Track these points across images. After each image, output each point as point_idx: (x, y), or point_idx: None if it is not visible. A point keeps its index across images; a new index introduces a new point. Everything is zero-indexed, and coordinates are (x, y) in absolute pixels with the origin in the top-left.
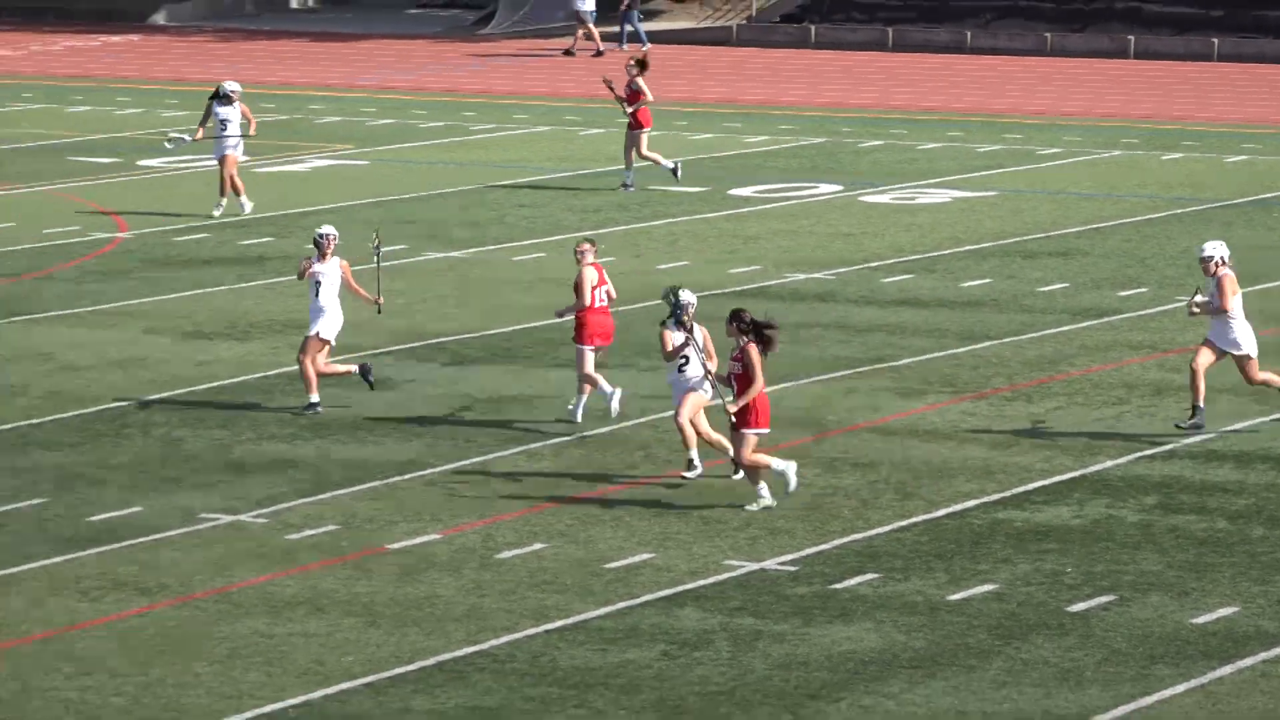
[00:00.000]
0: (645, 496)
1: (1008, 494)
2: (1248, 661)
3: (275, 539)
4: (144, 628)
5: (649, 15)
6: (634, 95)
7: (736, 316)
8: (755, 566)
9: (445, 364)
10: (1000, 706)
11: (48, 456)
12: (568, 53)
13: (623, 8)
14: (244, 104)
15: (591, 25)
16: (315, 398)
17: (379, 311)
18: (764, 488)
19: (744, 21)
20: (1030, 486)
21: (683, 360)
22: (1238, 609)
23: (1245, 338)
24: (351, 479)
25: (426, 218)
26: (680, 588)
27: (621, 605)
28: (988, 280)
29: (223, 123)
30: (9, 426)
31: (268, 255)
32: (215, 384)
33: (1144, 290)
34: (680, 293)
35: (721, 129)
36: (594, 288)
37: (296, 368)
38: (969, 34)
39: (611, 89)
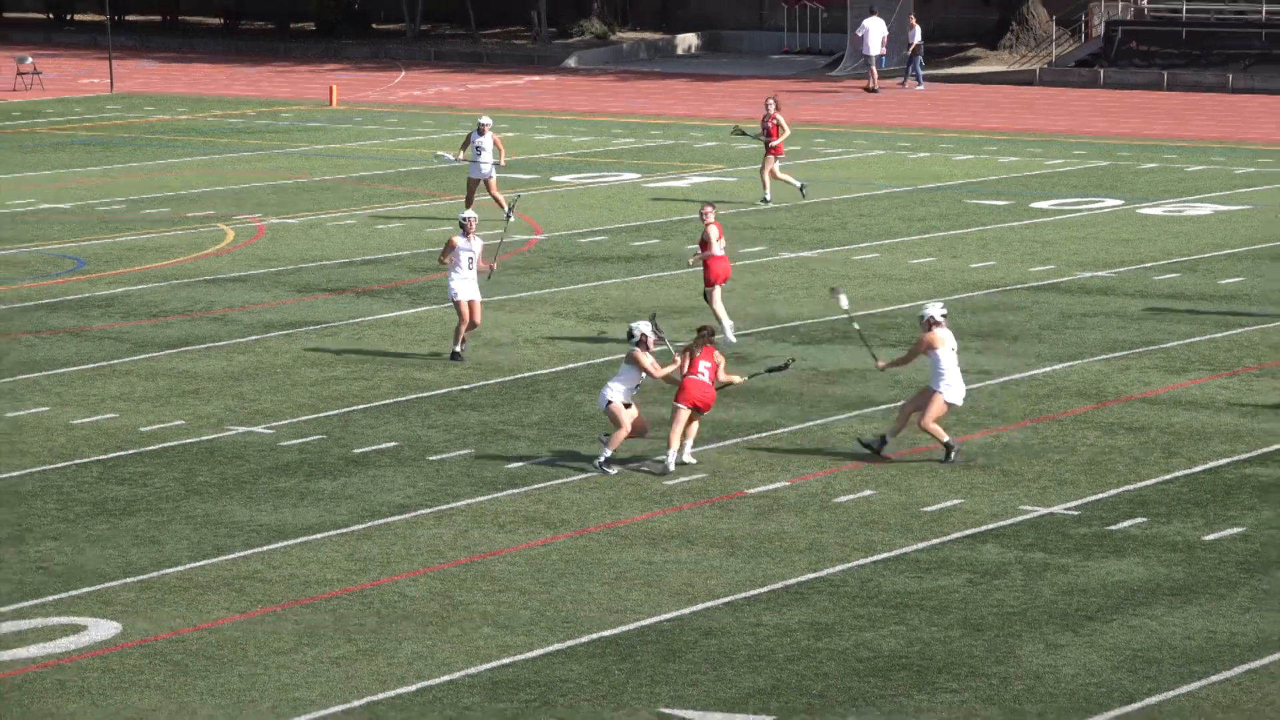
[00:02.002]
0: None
1: (1255, 453)
2: None
3: (655, 484)
4: (548, 554)
5: (968, 62)
6: (776, 129)
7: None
8: (1045, 511)
9: (796, 343)
10: (1245, 629)
11: (473, 415)
12: (868, 89)
13: (909, 53)
14: (495, 135)
15: (875, 68)
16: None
17: (489, 277)
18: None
19: (1045, 66)
20: (1274, 447)
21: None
22: None
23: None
24: (718, 436)
25: (782, 224)
26: (983, 527)
27: (935, 541)
28: (1241, 278)
29: (478, 149)
30: (443, 391)
31: (654, 254)
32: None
33: None
34: (638, 324)
35: (1026, 153)
36: (717, 240)
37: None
38: (1231, 76)
39: (744, 133)
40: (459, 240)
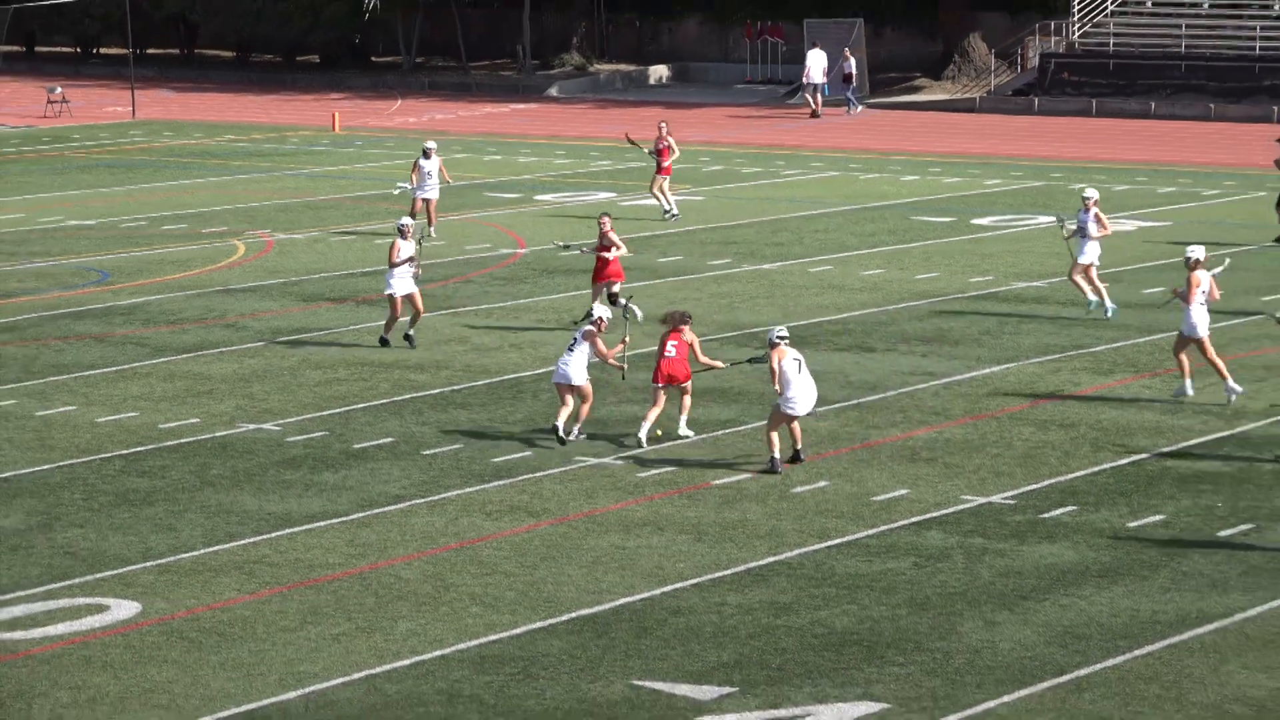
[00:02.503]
0: (902, 447)
1: (1175, 447)
2: None
3: (629, 476)
4: (531, 540)
5: (914, 91)
6: (665, 150)
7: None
8: (984, 500)
9: (758, 348)
10: (1165, 607)
11: (463, 414)
12: (813, 115)
13: (844, 81)
14: (440, 158)
15: (818, 94)
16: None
17: (417, 277)
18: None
19: (985, 94)
20: (1191, 442)
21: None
22: None
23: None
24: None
25: (745, 239)
26: (928, 515)
27: (883, 528)
28: (1162, 288)
29: (426, 174)
30: (436, 391)
31: (629, 266)
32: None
33: None
34: (598, 307)
35: (967, 174)
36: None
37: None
38: (1153, 104)
39: (634, 143)
40: (400, 244)
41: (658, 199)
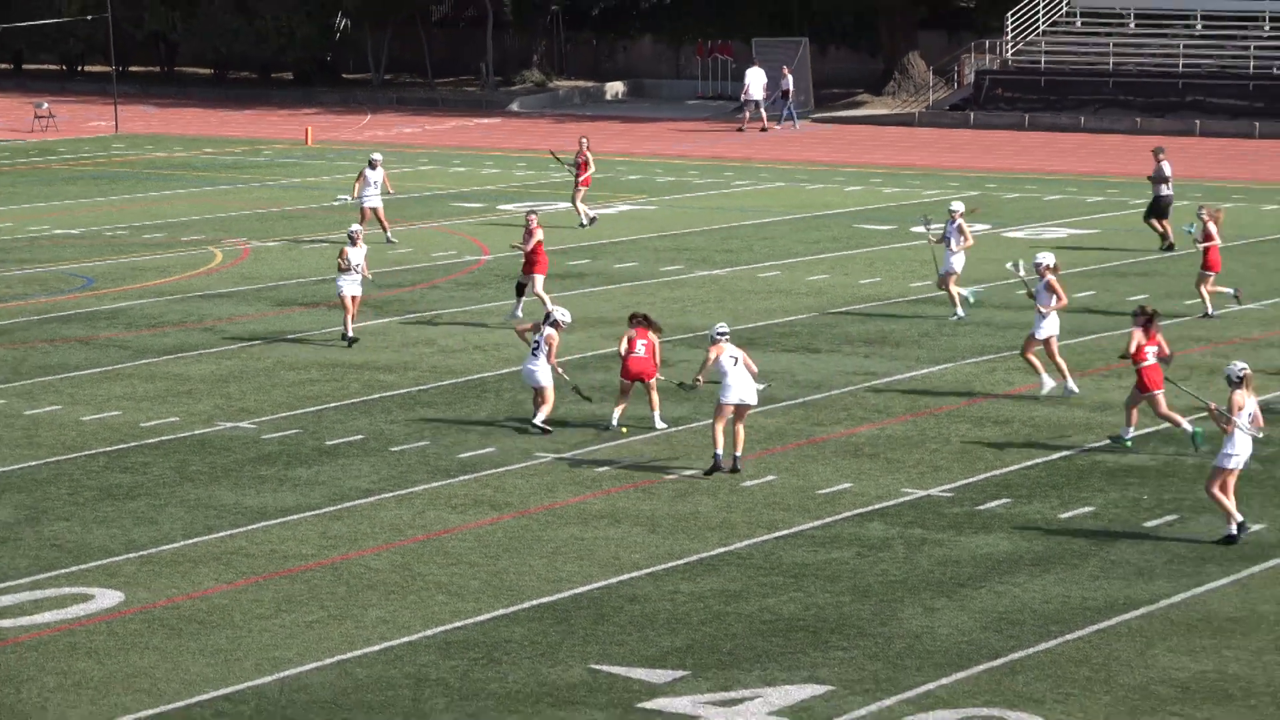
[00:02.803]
0: (846, 443)
1: (1103, 443)
2: (1272, 563)
3: (587, 471)
4: (494, 532)
5: (856, 106)
6: (584, 165)
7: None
8: (923, 493)
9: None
10: (1095, 593)
11: (429, 412)
12: (754, 130)
13: (782, 97)
14: (384, 169)
15: (763, 110)
16: (352, 333)
17: (369, 280)
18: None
19: (923, 109)
20: None
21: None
22: (1265, 525)
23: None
24: (641, 429)
25: (696, 246)
26: (870, 507)
27: (828, 520)
28: (1092, 291)
29: (370, 183)
30: (403, 391)
31: (585, 272)
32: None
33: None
34: (557, 309)
35: (906, 185)
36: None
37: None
38: (1083, 118)
39: (558, 159)
40: (349, 249)
41: (577, 209)
